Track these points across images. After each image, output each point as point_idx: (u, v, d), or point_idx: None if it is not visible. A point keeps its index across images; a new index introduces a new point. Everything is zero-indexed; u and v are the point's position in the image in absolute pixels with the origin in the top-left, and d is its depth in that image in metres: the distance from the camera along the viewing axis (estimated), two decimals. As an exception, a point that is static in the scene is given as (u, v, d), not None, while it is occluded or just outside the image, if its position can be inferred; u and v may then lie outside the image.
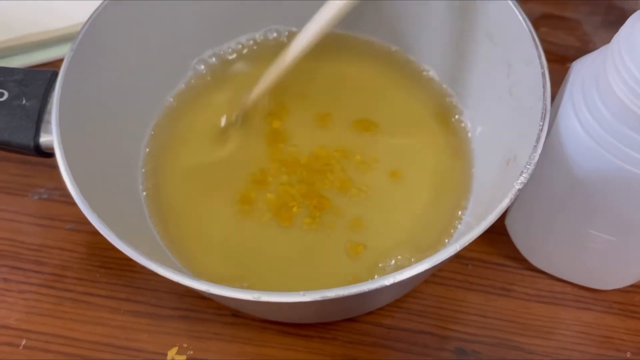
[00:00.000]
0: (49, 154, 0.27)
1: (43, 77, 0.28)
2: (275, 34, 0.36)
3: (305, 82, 0.35)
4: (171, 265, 0.29)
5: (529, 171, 0.23)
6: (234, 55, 0.36)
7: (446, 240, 0.30)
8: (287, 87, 0.33)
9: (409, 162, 0.32)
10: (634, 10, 0.44)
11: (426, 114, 0.34)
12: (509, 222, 0.32)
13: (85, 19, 0.29)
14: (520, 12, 0.27)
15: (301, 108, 0.34)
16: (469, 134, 0.33)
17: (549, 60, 0.40)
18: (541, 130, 0.24)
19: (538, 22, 0.44)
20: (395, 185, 0.32)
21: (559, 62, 0.41)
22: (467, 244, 0.22)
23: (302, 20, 0.30)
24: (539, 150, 0.23)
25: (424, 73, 0.35)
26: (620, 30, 0.22)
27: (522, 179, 0.23)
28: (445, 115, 0.33)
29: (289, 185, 0.32)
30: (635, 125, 0.22)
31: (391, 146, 0.33)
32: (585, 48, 0.43)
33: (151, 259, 0.22)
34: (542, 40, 0.42)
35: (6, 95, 0.28)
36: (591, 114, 0.23)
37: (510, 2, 0.28)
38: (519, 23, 0.27)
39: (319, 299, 0.20)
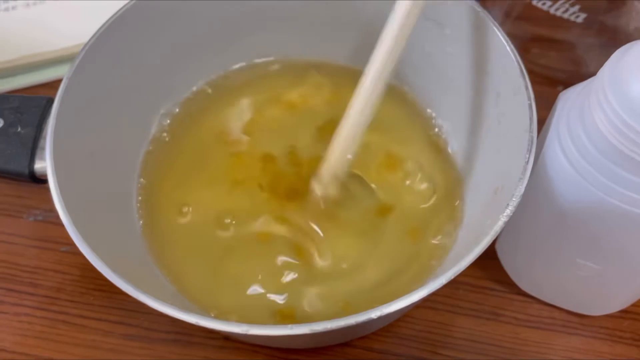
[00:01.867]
0: (44, 180, 0.27)
1: (38, 103, 0.29)
2: (264, 60, 0.37)
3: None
4: (164, 289, 0.29)
5: (514, 204, 0.23)
6: (229, 81, 0.36)
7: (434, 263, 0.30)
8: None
9: (399, 188, 0.32)
10: (626, 32, 0.45)
11: (416, 142, 0.34)
12: (499, 247, 0.32)
13: (83, 40, 0.29)
14: (508, 43, 0.28)
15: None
16: (459, 162, 0.33)
17: (539, 82, 0.41)
18: (527, 162, 0.24)
19: (529, 43, 0.44)
20: (383, 215, 0.32)
21: (550, 84, 0.41)
22: (455, 274, 0.23)
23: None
24: (525, 183, 0.24)
25: (416, 101, 0.35)
26: (604, 65, 0.23)
27: (508, 211, 0.23)
28: (435, 143, 0.34)
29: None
30: (619, 161, 0.22)
31: (380, 174, 0.33)
32: (577, 70, 0.43)
33: (142, 289, 0.23)
34: (533, 63, 0.42)
35: (2, 123, 0.28)
36: (576, 147, 0.23)
37: (498, 33, 0.28)
38: (507, 54, 0.28)
39: (308, 332, 0.21)
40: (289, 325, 0.20)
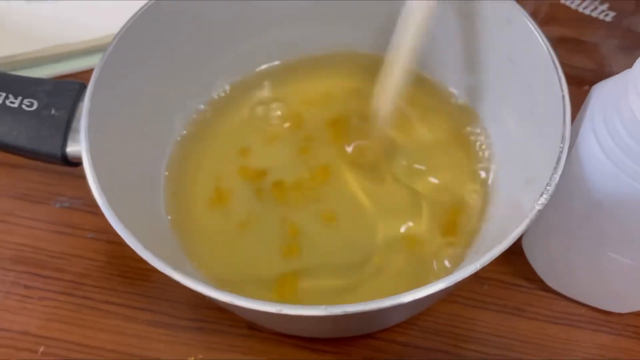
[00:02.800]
0: (75, 163, 0.28)
1: (72, 88, 0.29)
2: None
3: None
4: (191, 273, 0.29)
5: (550, 192, 0.23)
6: (257, 72, 0.36)
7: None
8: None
9: (428, 178, 0.32)
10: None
11: (447, 133, 0.34)
12: (525, 242, 0.32)
13: (109, 32, 0.29)
14: (540, 35, 0.28)
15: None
16: (489, 153, 0.33)
17: (566, 82, 0.40)
18: (561, 152, 0.24)
19: (556, 44, 0.44)
20: (416, 201, 0.32)
21: (576, 84, 0.40)
22: (486, 263, 0.23)
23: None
24: (560, 172, 0.24)
25: (446, 93, 0.35)
26: (642, 54, 0.23)
27: (543, 199, 0.23)
28: (466, 135, 0.34)
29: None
30: (656, 151, 0.22)
31: (411, 166, 0.33)
32: (602, 71, 0.43)
33: (175, 269, 0.23)
34: (560, 63, 0.42)
35: (36, 105, 0.28)
36: (612, 137, 0.23)
37: (530, 25, 0.28)
38: (540, 46, 0.28)
39: (340, 313, 0.20)
40: (322, 306, 0.20)
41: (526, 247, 0.32)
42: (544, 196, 0.23)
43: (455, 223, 0.31)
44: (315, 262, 0.30)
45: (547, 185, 0.23)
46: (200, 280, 0.28)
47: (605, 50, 0.44)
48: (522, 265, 0.32)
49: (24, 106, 0.28)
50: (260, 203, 0.32)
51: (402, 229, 0.31)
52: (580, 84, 0.41)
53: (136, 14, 0.30)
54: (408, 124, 0.35)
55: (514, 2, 0.29)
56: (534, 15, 0.44)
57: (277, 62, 0.37)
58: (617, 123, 0.23)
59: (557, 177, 0.24)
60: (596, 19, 0.39)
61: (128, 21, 0.30)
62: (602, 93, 0.25)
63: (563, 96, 0.26)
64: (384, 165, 0.33)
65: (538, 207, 0.23)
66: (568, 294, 0.31)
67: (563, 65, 0.43)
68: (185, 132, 0.34)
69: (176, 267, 0.23)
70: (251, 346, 0.31)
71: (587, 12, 0.38)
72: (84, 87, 0.29)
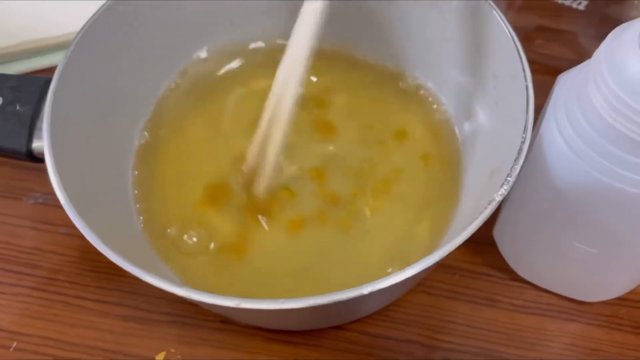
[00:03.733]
0: (41, 159, 0.27)
1: (37, 83, 0.29)
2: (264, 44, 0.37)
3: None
4: (159, 270, 0.30)
5: (510, 183, 0.23)
6: (223, 64, 0.36)
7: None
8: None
9: (400, 173, 0.33)
10: (626, 19, 0.44)
11: (417, 124, 0.34)
12: (496, 233, 0.32)
13: (76, 27, 0.29)
14: (505, 24, 0.28)
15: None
16: (459, 145, 0.33)
17: (543, 72, 0.40)
18: (523, 142, 0.24)
19: (533, 34, 0.44)
20: (385, 196, 0.32)
21: (553, 74, 0.40)
22: (446, 253, 0.23)
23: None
24: (520, 163, 0.24)
25: (415, 82, 0.35)
26: (600, 46, 0.23)
27: (503, 190, 0.23)
28: (436, 126, 0.34)
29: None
30: (617, 141, 0.22)
31: (382, 157, 0.33)
32: (580, 60, 0.43)
33: (138, 266, 0.23)
34: (536, 53, 0.42)
35: (0, 101, 0.28)
36: (573, 128, 0.23)
37: (496, 14, 0.28)
38: (505, 35, 0.28)
39: (299, 306, 0.21)
40: (280, 300, 0.20)
41: (497, 237, 0.32)
42: (504, 187, 0.23)
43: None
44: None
45: (508, 176, 0.23)
46: (165, 275, 0.29)
47: (583, 39, 0.44)
48: (494, 255, 0.33)
49: (-13, 103, 0.28)
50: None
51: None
52: (557, 74, 0.41)
53: (99, 10, 0.30)
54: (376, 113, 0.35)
55: (480, -6, 0.29)
56: (510, 5, 0.44)
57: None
58: (578, 113, 0.23)
59: (517, 167, 0.24)
60: (570, 8, 0.39)
61: (91, 17, 0.30)
62: (564, 83, 0.25)
63: (527, 86, 0.26)
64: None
65: (498, 198, 0.23)
66: (539, 283, 0.32)
67: (540, 55, 0.43)
68: (154, 117, 0.34)
69: (140, 262, 0.23)
70: (224, 339, 0.31)
71: (560, 0, 0.38)
72: (49, 82, 0.28)
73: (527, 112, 0.25)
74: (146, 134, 0.33)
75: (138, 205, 0.31)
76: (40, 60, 0.40)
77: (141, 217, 0.31)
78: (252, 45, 0.37)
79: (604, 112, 0.22)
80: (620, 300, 0.31)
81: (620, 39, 0.21)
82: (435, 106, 0.34)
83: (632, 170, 0.22)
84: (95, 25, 0.29)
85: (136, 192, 0.31)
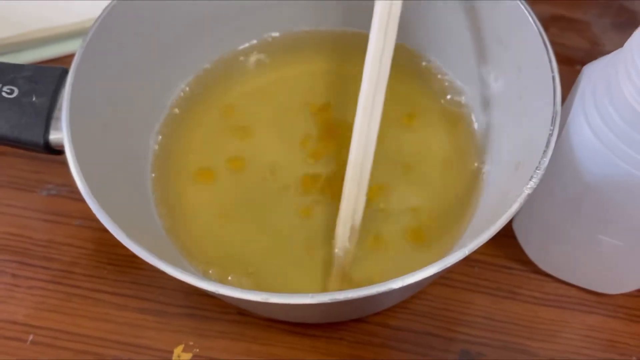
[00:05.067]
0: (58, 151, 0.27)
1: (53, 73, 0.28)
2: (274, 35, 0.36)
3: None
4: (178, 262, 0.29)
5: (539, 176, 0.23)
6: (244, 55, 0.36)
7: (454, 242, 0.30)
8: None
9: (420, 163, 0.32)
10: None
11: (438, 115, 0.34)
12: (516, 225, 0.32)
13: (93, 15, 0.29)
14: (530, 14, 0.27)
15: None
16: (480, 137, 0.32)
17: (557, 62, 0.40)
18: (551, 134, 0.24)
19: (547, 23, 0.43)
20: (407, 185, 0.32)
21: (568, 64, 0.40)
22: (476, 247, 0.22)
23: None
24: (549, 155, 0.23)
25: (438, 76, 0.35)
26: (632, 35, 0.22)
27: (532, 183, 0.23)
28: (457, 118, 0.33)
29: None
30: (647, 132, 0.22)
31: (404, 146, 0.33)
32: (594, 50, 0.43)
33: (160, 258, 0.22)
34: (551, 42, 0.42)
35: (16, 92, 0.28)
36: (602, 119, 0.23)
37: (520, 4, 0.28)
38: (530, 26, 0.27)
39: (328, 301, 0.20)
40: (309, 295, 0.20)
41: (517, 229, 0.32)
42: (534, 180, 0.23)
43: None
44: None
45: (537, 168, 0.23)
46: (186, 267, 0.29)
47: (597, 28, 0.44)
48: (513, 248, 0.32)
49: (4, 93, 0.27)
50: (247, 187, 0.32)
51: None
52: (571, 64, 0.41)
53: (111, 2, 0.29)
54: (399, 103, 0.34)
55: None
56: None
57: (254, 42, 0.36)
58: (608, 104, 0.23)
59: (546, 160, 0.23)
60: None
61: (109, 4, 0.29)
62: (592, 73, 0.24)
63: (553, 77, 0.25)
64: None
65: (527, 192, 0.23)
66: (559, 276, 0.31)
67: (554, 44, 0.42)
68: (172, 112, 0.34)
69: (161, 255, 0.23)
70: (242, 332, 0.31)
71: (579, -11, 0.37)
72: (65, 72, 0.28)
73: (554, 104, 0.24)
74: (160, 137, 0.33)
75: (158, 209, 0.31)
76: (51, 49, 0.39)
77: (161, 220, 0.30)
78: (266, 35, 0.36)
79: (635, 103, 0.21)
80: (641, 293, 0.31)
81: (654, 30, 0.21)
82: (454, 97, 0.34)
83: (662, 162, 0.22)
84: (112, 13, 0.29)
85: (154, 195, 0.31)
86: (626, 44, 0.22)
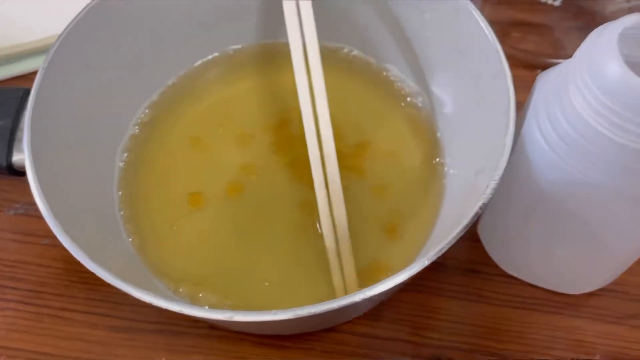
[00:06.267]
0: (22, 172, 0.27)
1: (15, 95, 0.28)
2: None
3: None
4: (147, 281, 0.29)
5: (494, 185, 0.24)
6: (206, 67, 0.36)
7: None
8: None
9: (388, 173, 0.33)
10: (603, 15, 0.45)
11: (401, 122, 0.34)
12: (480, 229, 0.33)
13: (57, 32, 0.29)
14: (486, 27, 0.28)
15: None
16: (442, 144, 0.33)
17: (519, 66, 0.41)
18: (505, 145, 0.24)
19: (509, 28, 0.44)
20: (375, 196, 0.32)
21: (530, 68, 0.41)
22: (437, 256, 0.23)
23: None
24: (504, 165, 0.24)
25: (398, 83, 0.35)
26: (580, 47, 0.23)
27: (488, 192, 0.23)
28: (417, 124, 0.34)
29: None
30: (597, 141, 0.22)
31: (372, 157, 0.33)
32: (556, 54, 0.44)
33: (125, 278, 0.23)
34: (513, 47, 0.43)
35: (-22, 116, 0.28)
36: (554, 128, 0.24)
37: (477, 18, 0.28)
38: (486, 38, 0.28)
39: (292, 317, 0.21)
40: (273, 311, 0.21)
41: (482, 233, 0.33)
42: (489, 189, 0.23)
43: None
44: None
45: (492, 178, 0.24)
46: (156, 285, 0.29)
47: (559, 32, 0.45)
48: (479, 251, 0.33)
49: (-35, 117, 0.27)
50: (217, 203, 0.32)
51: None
52: (534, 69, 0.42)
53: (80, 13, 0.29)
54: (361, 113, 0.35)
55: (460, -7, 0.29)
56: (485, -1, 0.44)
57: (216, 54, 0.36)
58: (559, 114, 0.23)
59: (501, 170, 0.24)
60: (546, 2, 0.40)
61: (71, 22, 0.29)
62: (545, 83, 0.25)
63: (508, 88, 0.26)
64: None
65: (483, 200, 0.23)
66: (524, 278, 0.32)
67: (516, 49, 0.43)
68: (136, 129, 0.34)
69: (130, 273, 0.23)
70: (213, 346, 0.31)
71: (536, -3, 0.38)
72: (27, 93, 0.28)
73: (509, 115, 0.25)
74: (125, 154, 0.33)
75: (126, 227, 0.31)
76: (16, 67, 0.39)
77: (130, 239, 0.30)
78: (230, 49, 0.37)
79: (584, 113, 0.22)
80: (603, 291, 0.32)
81: (599, 41, 0.22)
82: (413, 102, 0.35)
83: (612, 170, 0.23)
84: (75, 30, 0.29)
85: (122, 213, 0.31)
86: (575, 54, 0.23)
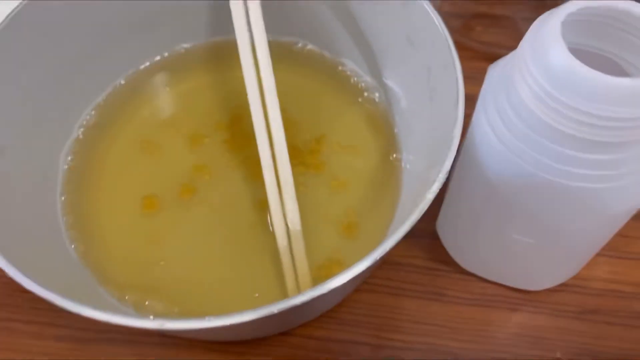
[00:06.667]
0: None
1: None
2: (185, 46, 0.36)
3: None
4: (91, 289, 0.28)
5: (441, 180, 0.23)
6: (155, 67, 0.35)
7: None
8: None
9: (345, 169, 0.32)
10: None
11: (358, 118, 0.33)
12: (439, 227, 0.32)
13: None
14: (436, 17, 0.27)
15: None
16: (397, 138, 0.32)
17: (483, 59, 0.40)
18: (452, 139, 0.23)
19: (472, 21, 0.44)
20: (332, 193, 0.32)
21: (492, 60, 0.40)
22: (382, 254, 0.22)
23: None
24: (451, 158, 0.23)
25: (354, 78, 0.35)
26: (525, 34, 0.22)
27: (434, 188, 0.23)
28: (372, 117, 0.33)
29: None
30: (544, 132, 0.22)
31: (329, 153, 0.33)
32: (518, 45, 0.43)
33: (60, 292, 0.21)
34: (476, 41, 0.42)
35: None
36: (502, 120, 0.23)
37: (427, 8, 0.27)
38: (436, 28, 0.27)
39: (224, 324, 0.20)
40: (206, 318, 0.19)
41: (440, 230, 0.32)
42: (435, 184, 0.23)
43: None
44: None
45: (439, 172, 0.23)
46: (100, 293, 0.27)
47: (521, 24, 0.44)
48: (438, 249, 0.32)
49: None
50: (165, 208, 0.31)
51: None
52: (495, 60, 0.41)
53: (13, 10, 0.28)
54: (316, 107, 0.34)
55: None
56: (447, -11, 0.43)
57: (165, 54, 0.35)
58: (506, 105, 0.23)
59: (448, 163, 0.23)
60: (506, -6, 0.39)
61: (7, 15, 0.28)
62: (493, 75, 0.24)
63: (457, 78, 0.25)
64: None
65: (430, 196, 0.22)
66: (483, 275, 0.31)
67: (480, 43, 0.43)
68: (81, 132, 0.33)
69: (73, 281, 0.22)
70: (164, 354, 0.30)
71: (493, -13, 0.38)
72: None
73: (457, 106, 0.24)
74: (69, 158, 0.32)
75: (69, 233, 0.29)
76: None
77: (73, 245, 0.29)
78: (177, 48, 0.36)
79: (531, 104, 0.21)
80: (564, 287, 0.31)
81: (543, 28, 0.21)
82: (370, 97, 0.34)
83: (561, 161, 0.22)
84: (12, 24, 0.27)
85: (65, 218, 0.30)
86: (520, 44, 0.22)
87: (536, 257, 0.28)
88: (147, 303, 0.28)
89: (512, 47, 0.44)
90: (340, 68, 0.35)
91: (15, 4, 0.28)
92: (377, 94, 0.34)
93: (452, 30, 0.28)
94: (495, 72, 0.24)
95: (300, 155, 0.33)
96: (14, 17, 0.28)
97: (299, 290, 0.28)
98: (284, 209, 0.29)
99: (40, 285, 0.21)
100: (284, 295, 0.28)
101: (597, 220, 0.24)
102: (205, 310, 0.28)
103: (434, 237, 0.32)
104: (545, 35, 0.21)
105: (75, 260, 0.29)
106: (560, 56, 0.20)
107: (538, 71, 0.21)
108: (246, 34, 0.29)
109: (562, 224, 0.25)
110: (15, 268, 0.21)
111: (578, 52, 0.22)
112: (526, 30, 0.47)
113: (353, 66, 0.35)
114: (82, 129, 0.33)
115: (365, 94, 0.34)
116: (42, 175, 0.30)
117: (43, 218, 0.29)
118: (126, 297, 0.28)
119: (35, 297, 0.31)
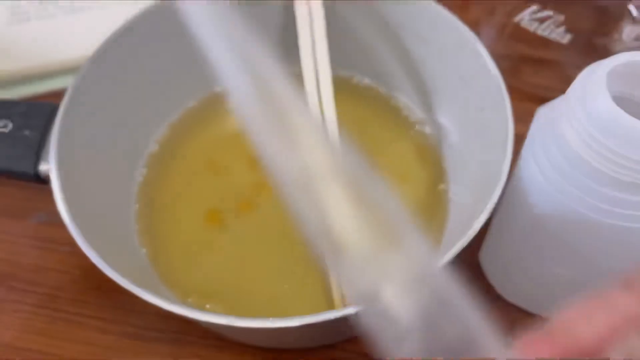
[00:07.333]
0: (47, 181, 0.29)
1: (44, 110, 0.30)
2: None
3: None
4: (158, 290, 0.31)
5: (488, 211, 0.25)
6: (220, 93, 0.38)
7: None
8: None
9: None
10: (612, 53, 0.46)
11: (408, 149, 0.36)
12: (482, 257, 0.33)
13: (86, 51, 0.31)
14: (490, 62, 0.29)
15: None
16: (448, 173, 0.34)
17: (530, 100, 0.42)
18: (500, 174, 0.25)
19: (521, 63, 0.46)
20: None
21: (540, 102, 0.42)
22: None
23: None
24: (497, 194, 0.25)
25: (406, 112, 0.37)
26: (573, 82, 0.24)
27: (482, 218, 0.24)
28: (424, 153, 0.35)
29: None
30: (590, 174, 0.23)
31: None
32: (567, 89, 0.44)
33: (135, 283, 0.24)
34: (525, 82, 0.44)
35: (10, 127, 0.30)
36: (549, 160, 0.25)
37: (482, 52, 0.30)
38: (490, 72, 0.29)
39: (289, 325, 0.22)
40: (270, 319, 0.22)
41: (483, 261, 0.33)
42: (482, 216, 0.24)
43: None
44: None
45: (486, 205, 0.25)
46: (165, 294, 0.30)
47: (570, 69, 0.46)
48: (481, 278, 0.34)
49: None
50: (228, 220, 0.34)
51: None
52: (543, 103, 0.43)
53: (110, 36, 0.31)
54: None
55: (466, 28, 0.31)
56: (500, 33, 0.45)
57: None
58: (553, 146, 0.24)
59: (496, 196, 0.25)
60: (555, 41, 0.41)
61: (102, 44, 0.31)
62: (542, 116, 0.26)
63: (507, 119, 0.27)
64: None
65: (475, 227, 0.24)
66: (524, 306, 0.33)
67: (528, 84, 0.44)
68: (156, 147, 0.36)
69: (141, 281, 0.24)
70: (218, 357, 0.32)
71: (545, 34, 0.40)
72: (55, 108, 0.30)
73: (506, 145, 0.26)
74: (144, 170, 0.35)
75: (141, 238, 0.32)
76: (45, 84, 0.41)
77: (144, 250, 0.32)
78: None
79: (577, 147, 0.23)
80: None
81: (590, 79, 0.23)
82: (420, 130, 0.36)
83: (607, 202, 0.24)
84: (104, 52, 0.31)
85: (137, 225, 0.33)
86: (568, 90, 0.24)
87: (577, 292, 0.29)
88: (207, 307, 0.31)
89: (559, 89, 0.46)
90: (393, 102, 0.37)
91: (103, 26, 0.31)
92: (427, 128, 0.36)
93: (502, 71, 0.30)
94: (544, 114, 0.26)
95: None
96: (109, 42, 0.31)
97: (343, 304, 0.30)
98: None
99: (130, 281, 0.23)
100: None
101: (636, 258, 0.26)
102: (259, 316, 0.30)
103: (476, 266, 0.34)
104: (592, 85, 0.23)
105: (146, 263, 0.32)
106: (604, 104, 0.22)
107: (584, 116, 0.23)
108: (311, 66, 0.32)
109: (603, 260, 0.26)
110: (105, 263, 0.24)
111: (623, 101, 0.24)
112: (572, 74, 0.49)
113: (406, 100, 0.37)
114: (156, 145, 0.36)
115: (417, 127, 0.36)
116: (122, 183, 0.33)
117: (122, 223, 0.32)
118: (189, 300, 0.31)
119: (104, 295, 0.34)
